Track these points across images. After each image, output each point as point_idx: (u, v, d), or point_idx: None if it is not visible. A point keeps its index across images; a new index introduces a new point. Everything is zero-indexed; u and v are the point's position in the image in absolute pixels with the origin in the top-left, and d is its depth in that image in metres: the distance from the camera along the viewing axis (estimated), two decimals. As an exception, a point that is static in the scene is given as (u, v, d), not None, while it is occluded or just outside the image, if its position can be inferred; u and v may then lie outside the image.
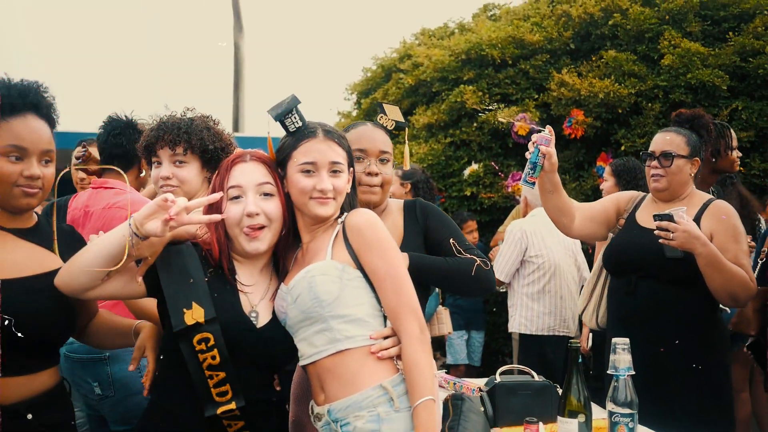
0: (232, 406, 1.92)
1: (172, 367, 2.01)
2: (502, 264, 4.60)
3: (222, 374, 1.92)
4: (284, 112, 2.07)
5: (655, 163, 3.08)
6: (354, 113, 9.08)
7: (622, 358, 2.41)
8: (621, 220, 3.20)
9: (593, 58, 6.17)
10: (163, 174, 2.51)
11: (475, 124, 6.46)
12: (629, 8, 6.11)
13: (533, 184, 2.83)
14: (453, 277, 2.40)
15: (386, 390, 1.92)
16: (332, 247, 2.00)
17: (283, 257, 2.12)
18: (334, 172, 2.04)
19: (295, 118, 2.08)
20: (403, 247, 2.43)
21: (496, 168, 6.36)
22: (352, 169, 2.13)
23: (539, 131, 2.82)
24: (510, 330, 4.68)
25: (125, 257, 1.87)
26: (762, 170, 5.61)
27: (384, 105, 2.56)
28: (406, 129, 2.61)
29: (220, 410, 1.92)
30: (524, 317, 4.53)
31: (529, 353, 4.32)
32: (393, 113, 2.54)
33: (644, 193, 3.28)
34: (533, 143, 2.77)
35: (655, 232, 2.85)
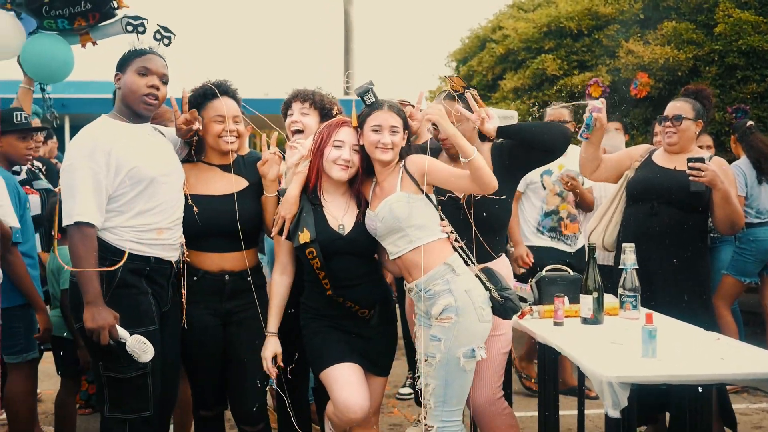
0: (330, 292, 2.97)
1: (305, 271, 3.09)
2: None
3: (323, 273, 2.94)
4: (364, 92, 2.96)
5: (668, 123, 4.01)
6: (453, 77, 10.09)
7: (629, 257, 3.43)
8: (636, 163, 4.03)
9: (658, 27, 6.93)
10: (293, 119, 3.41)
11: (554, 88, 7.40)
12: (690, -18, 6.83)
13: (587, 138, 3.59)
14: (540, 127, 3.23)
15: (449, 265, 2.85)
16: (400, 183, 2.90)
17: (359, 189, 3.04)
18: (393, 132, 2.90)
19: (370, 95, 2.96)
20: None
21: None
22: (407, 130, 2.98)
23: (601, 96, 3.72)
24: None
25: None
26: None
27: (451, 77, 3.24)
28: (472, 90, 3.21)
29: (327, 294, 2.98)
30: None
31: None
32: (457, 82, 3.18)
33: (654, 147, 4.16)
34: (589, 110, 3.43)
35: (687, 171, 3.65)
